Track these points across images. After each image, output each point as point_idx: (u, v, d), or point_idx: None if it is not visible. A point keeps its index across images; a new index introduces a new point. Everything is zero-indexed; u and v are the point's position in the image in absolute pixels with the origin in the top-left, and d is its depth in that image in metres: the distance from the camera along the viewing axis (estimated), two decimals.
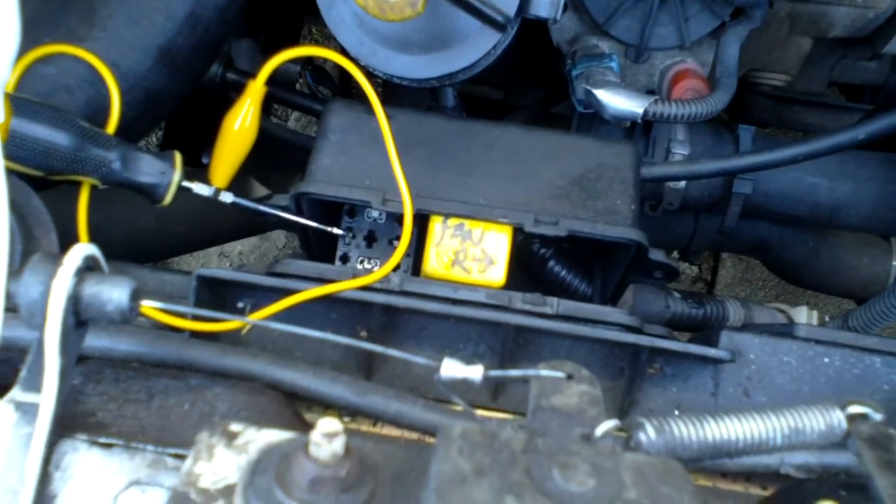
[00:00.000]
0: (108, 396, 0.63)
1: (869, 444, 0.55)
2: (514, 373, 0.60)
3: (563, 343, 0.88)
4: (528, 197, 0.95)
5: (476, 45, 0.93)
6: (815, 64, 1.77)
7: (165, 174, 0.86)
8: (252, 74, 1.25)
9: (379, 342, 0.89)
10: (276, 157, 1.41)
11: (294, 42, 1.86)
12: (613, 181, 0.96)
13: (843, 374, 0.88)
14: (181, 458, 0.57)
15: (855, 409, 0.58)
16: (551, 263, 1.09)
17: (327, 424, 0.47)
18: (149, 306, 0.60)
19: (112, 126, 0.88)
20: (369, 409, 0.69)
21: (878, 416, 0.58)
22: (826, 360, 0.89)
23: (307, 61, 1.45)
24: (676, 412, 0.86)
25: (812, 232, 1.54)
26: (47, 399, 0.56)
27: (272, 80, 1.42)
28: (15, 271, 0.57)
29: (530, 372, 0.60)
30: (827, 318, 1.40)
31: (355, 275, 0.88)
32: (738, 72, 1.21)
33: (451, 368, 0.60)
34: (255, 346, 0.88)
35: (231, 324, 0.84)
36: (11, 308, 0.57)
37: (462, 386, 0.62)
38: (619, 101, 1.09)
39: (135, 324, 0.68)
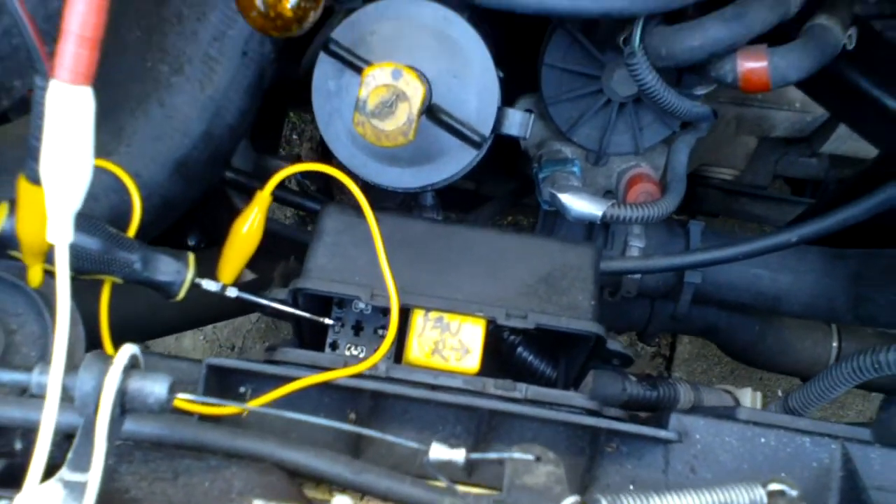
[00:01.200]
0: (139, 475, 0.73)
1: None
2: (492, 455, 0.71)
3: (531, 425, 0.99)
4: (500, 293, 1.07)
5: (456, 160, 1.07)
6: (761, 159, 1.94)
7: (180, 273, 0.97)
8: (246, 172, 1.38)
9: (366, 424, 1.00)
10: (261, 245, 1.52)
11: (279, 129, 1.99)
12: (575, 279, 1.08)
13: (777, 452, 0.99)
14: None
15: (774, 486, 0.69)
16: (520, 350, 1.21)
17: (341, 501, 0.58)
18: (182, 398, 0.70)
19: (133, 230, 0.98)
20: (363, 485, 0.79)
21: (793, 493, 0.69)
22: (763, 440, 1.00)
23: (297, 157, 1.58)
24: (631, 487, 0.97)
25: (758, 317, 1.67)
26: (94, 479, 0.66)
27: (267, 177, 1.54)
28: (71, 368, 0.68)
29: (505, 455, 0.71)
30: (780, 392, 1.52)
31: (346, 363, 0.99)
32: (686, 176, 1.36)
33: (439, 451, 0.71)
34: (254, 427, 0.98)
35: (234, 408, 0.94)
36: (66, 398, 0.68)
37: (445, 466, 0.73)
38: (581, 205, 1.22)
39: None
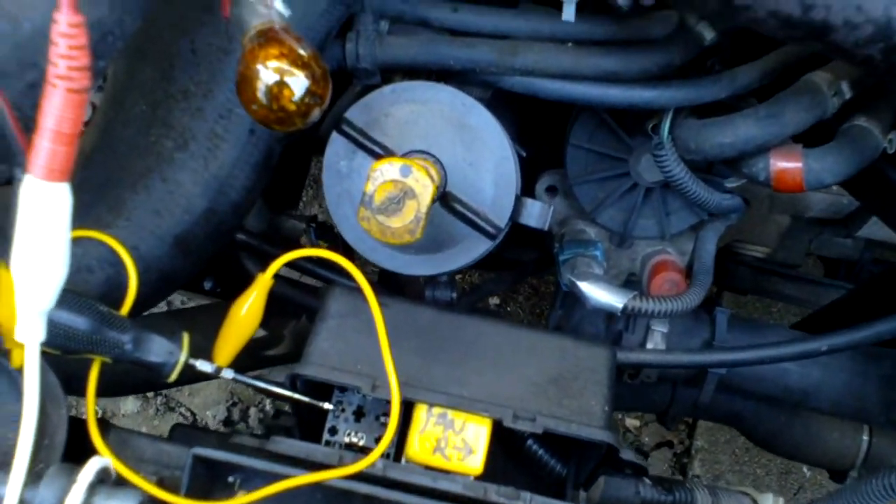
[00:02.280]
0: None
1: None
2: None
3: None
4: (508, 392, 1.01)
5: (469, 250, 1.03)
6: (795, 238, 1.87)
7: (173, 354, 0.93)
8: (258, 235, 1.35)
9: None
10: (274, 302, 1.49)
11: (300, 183, 1.95)
12: (589, 382, 1.02)
13: None
14: None
15: None
16: (529, 442, 1.15)
17: None
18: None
19: (127, 306, 0.95)
20: None
21: None
22: None
23: (312, 217, 1.54)
24: None
25: (785, 408, 1.60)
26: None
27: (279, 237, 1.50)
28: (32, 481, 0.64)
29: None
30: (805, 470, 1.44)
31: (342, 458, 0.94)
32: (713, 267, 1.30)
33: None
34: None
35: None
36: None
37: None
38: (600, 294, 1.17)
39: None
